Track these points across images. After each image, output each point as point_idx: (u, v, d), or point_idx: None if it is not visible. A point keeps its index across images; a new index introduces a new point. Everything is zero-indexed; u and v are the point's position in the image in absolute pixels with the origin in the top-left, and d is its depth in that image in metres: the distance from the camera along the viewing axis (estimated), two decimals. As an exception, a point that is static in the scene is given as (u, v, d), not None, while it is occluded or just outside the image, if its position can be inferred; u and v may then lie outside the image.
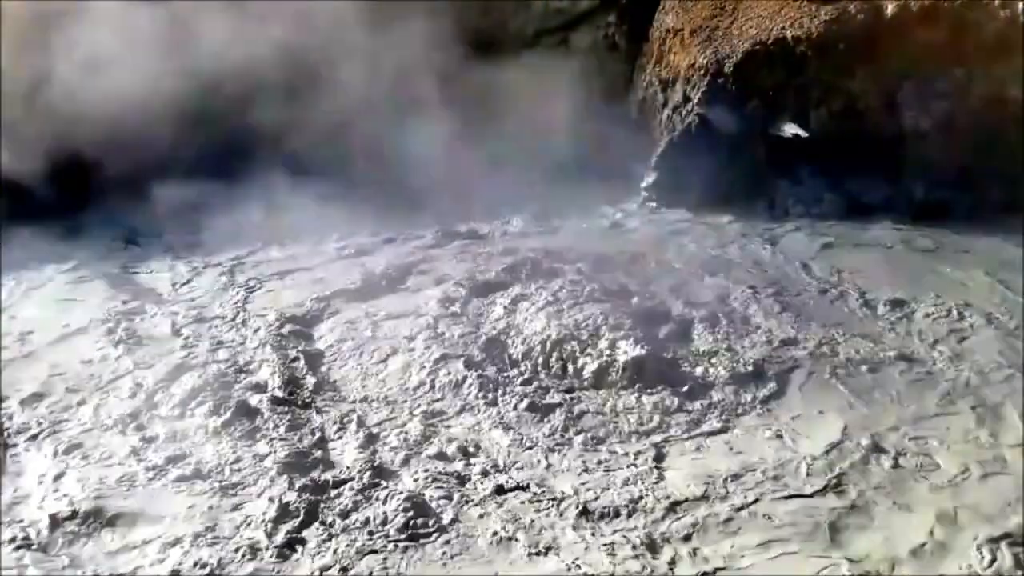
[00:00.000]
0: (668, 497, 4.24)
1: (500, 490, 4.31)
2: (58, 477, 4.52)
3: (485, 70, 9.65)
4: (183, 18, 8.95)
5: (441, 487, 4.34)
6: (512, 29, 10.06)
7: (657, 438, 4.78)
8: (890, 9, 8.10)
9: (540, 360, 5.54)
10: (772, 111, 8.44)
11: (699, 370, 5.39)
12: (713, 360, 5.47)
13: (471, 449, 4.69)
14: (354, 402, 5.22)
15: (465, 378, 5.36)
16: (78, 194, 8.81)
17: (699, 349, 5.62)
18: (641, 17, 9.54)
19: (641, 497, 4.24)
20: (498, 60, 9.89)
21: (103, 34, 8.71)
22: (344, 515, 4.14)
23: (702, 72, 8.69)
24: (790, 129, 8.31)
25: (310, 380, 5.44)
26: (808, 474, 4.38)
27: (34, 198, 8.61)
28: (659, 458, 4.60)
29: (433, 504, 4.20)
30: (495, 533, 4.02)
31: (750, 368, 5.36)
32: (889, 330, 5.87)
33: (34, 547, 4.01)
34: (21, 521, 4.18)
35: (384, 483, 4.37)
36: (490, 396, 5.21)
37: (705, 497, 4.24)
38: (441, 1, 9.83)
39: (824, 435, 4.72)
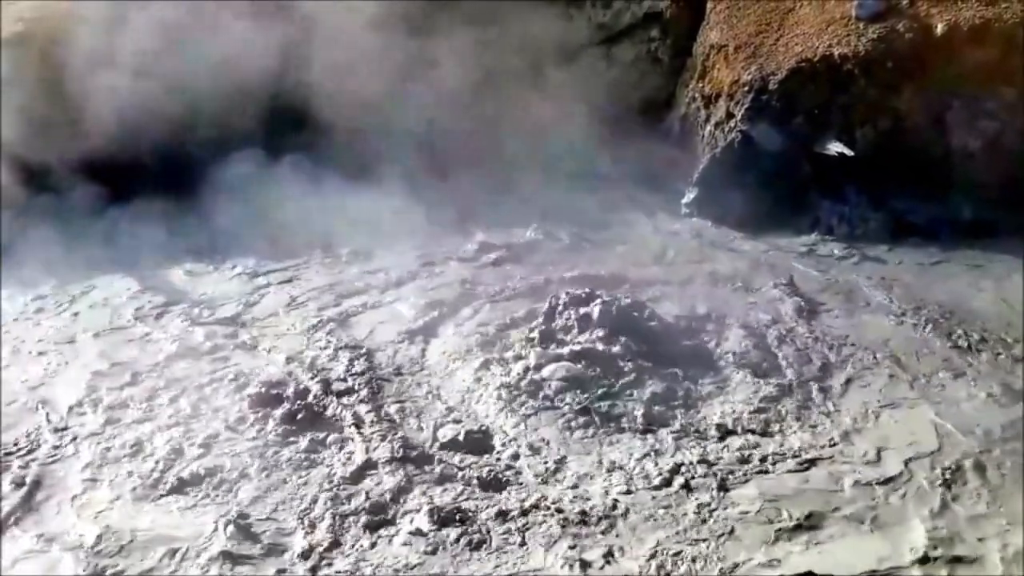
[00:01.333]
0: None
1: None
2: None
3: (527, 81, 9.70)
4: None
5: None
6: (555, 41, 9.98)
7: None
8: (939, 28, 8.03)
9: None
10: (817, 129, 8.34)
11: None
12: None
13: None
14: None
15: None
16: (122, 195, 8.82)
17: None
18: (685, 32, 9.48)
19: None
20: (540, 71, 9.92)
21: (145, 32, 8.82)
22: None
23: (746, 88, 8.60)
24: (835, 147, 8.20)
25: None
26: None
27: (78, 198, 8.70)
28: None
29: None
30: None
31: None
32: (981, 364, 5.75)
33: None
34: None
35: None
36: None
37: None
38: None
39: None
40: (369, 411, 5.26)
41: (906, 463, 4.67)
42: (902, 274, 7.30)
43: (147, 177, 8.87)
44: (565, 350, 5.68)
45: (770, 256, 7.77)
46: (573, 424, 5.11)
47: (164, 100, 8.83)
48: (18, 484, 4.60)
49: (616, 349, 5.67)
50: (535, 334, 5.92)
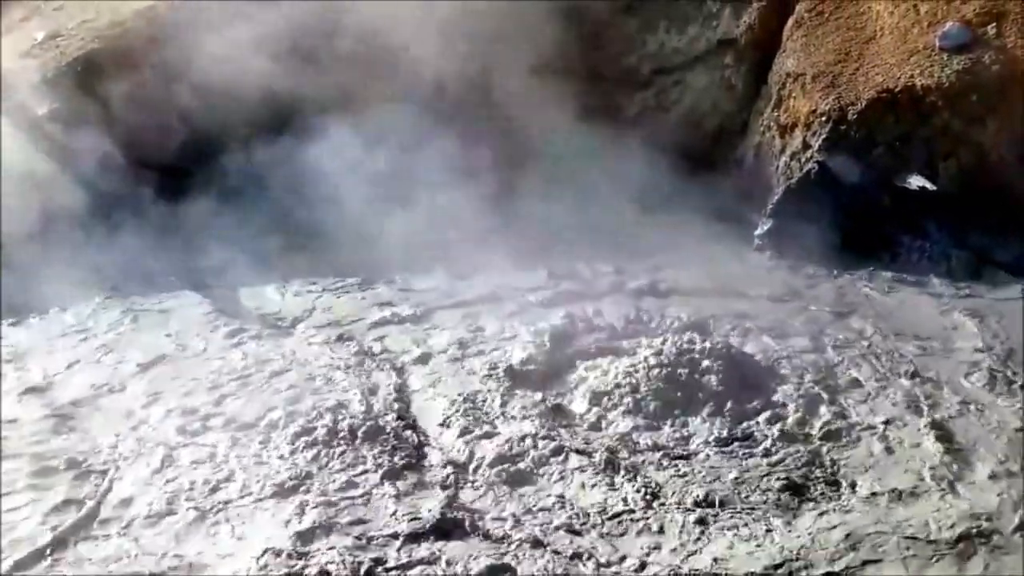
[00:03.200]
0: None
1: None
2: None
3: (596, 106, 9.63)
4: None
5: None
6: (627, 67, 9.89)
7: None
8: (1027, 60, 7.82)
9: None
10: (897, 162, 8.13)
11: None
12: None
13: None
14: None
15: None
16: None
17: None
18: (760, 60, 9.30)
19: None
20: (609, 96, 9.84)
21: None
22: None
23: (823, 119, 8.41)
24: (916, 181, 7.99)
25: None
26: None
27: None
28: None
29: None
30: None
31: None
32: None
33: None
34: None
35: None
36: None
37: None
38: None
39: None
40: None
41: None
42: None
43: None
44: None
45: (852, 291, 7.59)
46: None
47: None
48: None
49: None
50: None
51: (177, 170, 9.06)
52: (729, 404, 5.73)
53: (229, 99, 8.94)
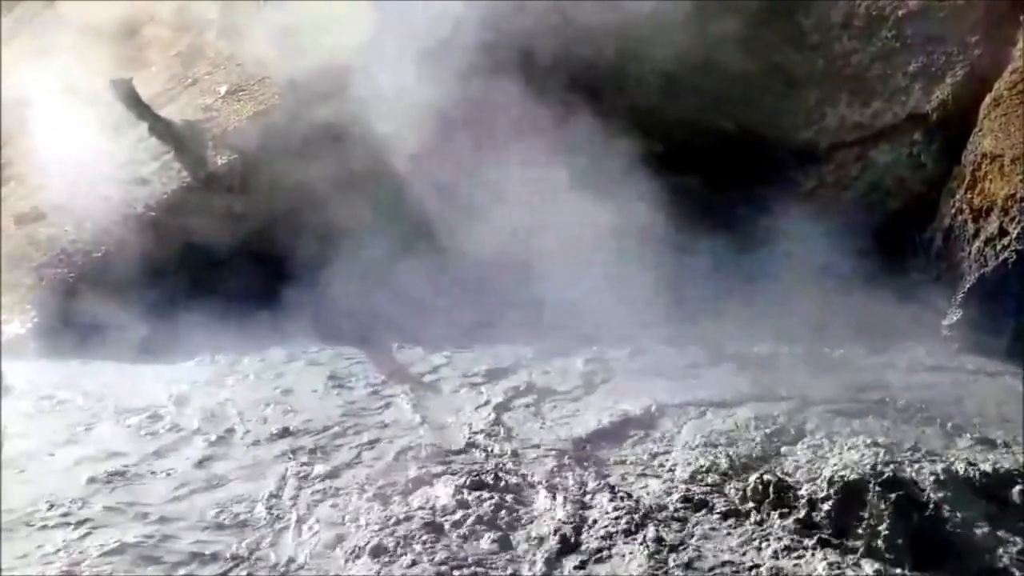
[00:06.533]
0: None
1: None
2: None
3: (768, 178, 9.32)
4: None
5: None
6: (803, 140, 9.53)
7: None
8: None
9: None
10: (1108, 253, 7.52)
11: None
12: None
13: None
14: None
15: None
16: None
17: None
18: (953, 137, 8.76)
19: None
20: (783, 170, 9.51)
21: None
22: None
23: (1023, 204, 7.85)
24: None
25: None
26: None
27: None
28: None
29: None
30: None
31: None
32: None
33: None
34: None
35: None
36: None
37: None
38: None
39: None
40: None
41: None
42: None
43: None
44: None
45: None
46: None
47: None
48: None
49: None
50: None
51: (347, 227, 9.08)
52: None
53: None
